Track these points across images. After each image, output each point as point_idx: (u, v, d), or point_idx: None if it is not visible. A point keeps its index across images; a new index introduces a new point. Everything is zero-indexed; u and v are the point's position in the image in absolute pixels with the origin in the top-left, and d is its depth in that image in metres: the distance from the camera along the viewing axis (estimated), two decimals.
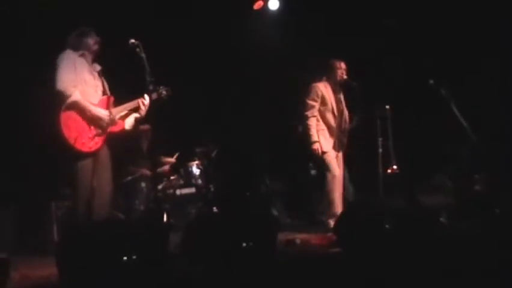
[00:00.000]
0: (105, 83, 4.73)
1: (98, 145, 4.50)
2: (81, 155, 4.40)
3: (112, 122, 4.60)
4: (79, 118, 4.42)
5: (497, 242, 3.98)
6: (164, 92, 4.74)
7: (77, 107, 4.40)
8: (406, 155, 6.56)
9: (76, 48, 4.57)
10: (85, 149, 4.41)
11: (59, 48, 4.55)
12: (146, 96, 4.70)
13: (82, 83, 4.50)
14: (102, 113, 4.52)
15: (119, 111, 4.71)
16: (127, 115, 4.78)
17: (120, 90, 4.84)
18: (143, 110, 4.75)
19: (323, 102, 5.69)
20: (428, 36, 6.93)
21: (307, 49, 6.90)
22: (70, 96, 4.37)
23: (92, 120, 4.47)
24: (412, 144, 6.50)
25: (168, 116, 5.04)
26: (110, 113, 4.59)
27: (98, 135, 4.48)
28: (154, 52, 4.50)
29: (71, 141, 4.33)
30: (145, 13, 6.38)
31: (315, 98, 5.69)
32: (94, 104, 4.54)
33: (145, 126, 6.28)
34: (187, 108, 6.86)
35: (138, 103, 4.73)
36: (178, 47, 6.83)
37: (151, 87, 4.48)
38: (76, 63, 4.51)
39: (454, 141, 6.47)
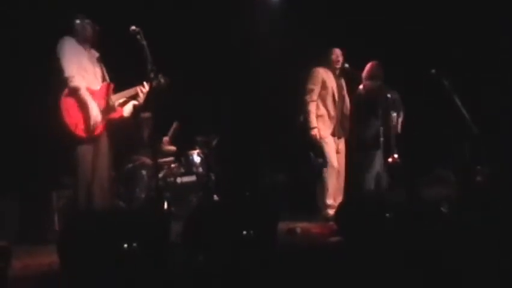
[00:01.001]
0: (104, 70, 4.75)
1: (98, 131, 4.54)
2: (82, 141, 4.45)
3: (112, 109, 4.62)
4: (78, 106, 4.44)
5: (498, 234, 3.99)
6: (162, 80, 4.73)
7: (77, 95, 4.43)
8: (407, 146, 6.55)
9: (73, 34, 4.59)
10: (86, 134, 4.45)
11: (58, 35, 4.55)
12: (145, 83, 4.70)
13: (81, 70, 4.52)
14: (95, 116, 4.50)
15: (117, 98, 4.74)
16: (125, 102, 4.81)
17: (121, 77, 4.84)
18: (142, 97, 4.77)
19: (324, 86, 5.69)
20: (430, 26, 6.89)
21: (310, 40, 6.86)
22: (73, 80, 4.42)
23: (87, 115, 4.48)
24: (414, 135, 6.47)
25: (169, 104, 5.03)
26: (109, 100, 4.60)
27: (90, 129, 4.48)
28: (155, 40, 4.48)
29: (72, 127, 4.38)
30: (147, 1, 6.34)
31: (315, 82, 5.69)
32: (93, 92, 4.55)
33: (146, 114, 6.26)
34: (188, 97, 6.83)
35: (137, 90, 4.75)
36: (179, 34, 6.80)
37: (151, 75, 4.47)
38: (76, 50, 4.52)
39: (456, 132, 6.45)
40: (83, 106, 4.45)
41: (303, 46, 6.84)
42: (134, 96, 4.80)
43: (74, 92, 4.43)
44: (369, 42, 6.84)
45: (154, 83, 4.61)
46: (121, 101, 4.77)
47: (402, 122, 6.13)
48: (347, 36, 6.49)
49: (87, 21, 4.63)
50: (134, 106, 4.84)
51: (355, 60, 5.95)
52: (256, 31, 7.38)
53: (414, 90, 6.55)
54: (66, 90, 4.41)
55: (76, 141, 4.44)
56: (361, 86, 6.06)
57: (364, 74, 6.06)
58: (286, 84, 6.88)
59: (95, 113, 4.51)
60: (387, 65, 6.42)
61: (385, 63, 6.38)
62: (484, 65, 6.66)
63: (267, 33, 7.36)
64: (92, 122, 4.48)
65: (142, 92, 4.75)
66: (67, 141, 4.45)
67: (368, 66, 6.06)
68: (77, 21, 4.62)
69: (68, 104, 4.41)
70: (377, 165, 5.91)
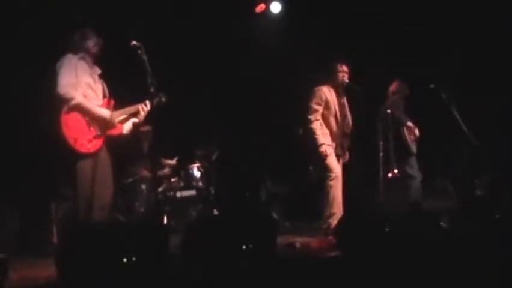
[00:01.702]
0: (105, 86, 4.76)
1: (97, 146, 4.54)
2: (80, 156, 4.44)
3: (112, 124, 4.63)
4: (79, 119, 4.45)
5: (498, 246, 3.97)
6: (163, 99, 4.76)
7: (79, 109, 4.44)
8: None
9: (76, 51, 4.59)
10: (84, 149, 4.45)
11: (60, 50, 4.56)
12: (147, 102, 4.71)
13: (82, 86, 4.52)
14: (105, 112, 4.58)
15: (118, 115, 4.73)
16: (126, 119, 4.81)
17: (121, 92, 4.85)
18: (142, 115, 4.77)
19: (327, 106, 5.67)
20: (430, 40, 6.93)
21: (310, 52, 6.89)
22: (72, 98, 4.41)
23: (94, 121, 4.50)
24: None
25: (169, 118, 5.04)
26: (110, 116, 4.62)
27: (97, 136, 4.50)
28: (155, 54, 4.50)
29: (71, 141, 4.37)
30: (147, 15, 6.37)
31: (319, 101, 5.66)
32: None
33: (146, 128, 6.28)
34: (188, 111, 6.85)
35: (138, 108, 4.75)
36: (180, 48, 6.84)
37: (152, 90, 4.47)
38: (76, 67, 4.52)
39: (455, 145, 6.47)
40: (86, 116, 4.46)
41: (304, 60, 6.88)
42: (135, 114, 4.80)
43: (76, 107, 4.43)
44: (369, 55, 6.89)
45: (155, 101, 4.62)
46: (121, 118, 4.77)
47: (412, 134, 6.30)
48: (348, 49, 6.50)
49: (91, 35, 4.63)
50: (134, 124, 4.85)
51: (356, 74, 5.97)
52: (256, 45, 7.41)
53: (413, 103, 6.58)
54: (65, 107, 4.39)
55: (76, 155, 4.43)
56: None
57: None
58: (286, 97, 6.91)
59: (106, 112, 4.56)
60: (387, 78, 6.47)
61: (385, 77, 6.43)
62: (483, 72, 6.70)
63: (268, 46, 7.39)
64: (109, 119, 4.55)
65: (143, 110, 4.76)
66: (66, 155, 4.44)
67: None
68: (80, 36, 4.61)
69: (68, 119, 4.39)
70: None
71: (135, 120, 4.83)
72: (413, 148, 6.38)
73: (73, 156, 4.43)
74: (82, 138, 4.44)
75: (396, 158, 6.28)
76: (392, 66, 7.02)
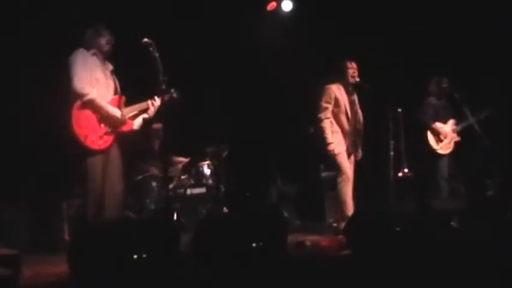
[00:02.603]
0: (117, 82, 4.77)
1: (108, 143, 4.55)
2: (91, 153, 4.46)
3: (123, 121, 4.65)
4: (91, 116, 4.47)
5: (508, 247, 3.95)
6: (175, 95, 4.77)
7: (92, 105, 4.46)
8: (418, 158, 6.54)
9: (88, 47, 4.61)
10: (95, 146, 4.47)
11: (72, 46, 4.58)
12: (156, 97, 4.72)
13: (94, 82, 4.54)
14: (117, 112, 4.59)
15: (129, 111, 4.75)
16: (136, 115, 4.82)
17: (133, 89, 4.87)
18: (152, 111, 4.79)
19: (336, 104, 5.66)
20: (441, 37, 6.90)
21: (320, 50, 6.88)
22: (87, 94, 4.43)
23: (105, 119, 4.52)
24: (423, 147, 6.48)
25: (180, 115, 5.06)
26: (121, 112, 4.64)
27: (107, 133, 4.52)
28: (166, 51, 4.51)
29: (82, 138, 4.39)
30: (158, 13, 6.39)
31: (329, 99, 5.66)
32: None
33: (157, 125, 6.29)
34: (198, 108, 6.87)
35: (148, 104, 4.77)
36: (191, 46, 6.85)
37: (163, 87, 4.49)
38: (88, 62, 4.54)
39: (467, 145, 6.44)
40: (98, 114, 4.47)
41: (314, 58, 6.86)
42: (145, 110, 4.82)
43: (89, 104, 4.45)
44: (380, 53, 6.87)
45: (166, 97, 4.63)
46: (131, 114, 4.79)
47: None
48: (359, 47, 6.48)
49: (104, 33, 4.63)
50: (144, 119, 4.87)
51: (366, 72, 5.96)
52: (267, 42, 7.41)
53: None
54: (79, 103, 4.41)
55: (86, 152, 4.44)
56: None
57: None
58: (297, 96, 6.90)
59: (118, 111, 4.57)
60: (400, 76, 6.45)
61: (397, 75, 6.41)
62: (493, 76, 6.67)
63: (278, 44, 7.38)
64: (120, 119, 4.55)
65: (153, 105, 4.77)
66: (77, 152, 4.46)
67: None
68: (93, 33, 4.63)
69: (79, 116, 4.41)
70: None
71: (145, 115, 4.85)
72: (440, 150, 6.40)
73: (83, 152, 4.44)
74: (93, 135, 4.45)
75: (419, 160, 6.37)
76: (402, 65, 7.00)
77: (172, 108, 4.71)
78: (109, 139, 4.56)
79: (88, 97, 4.42)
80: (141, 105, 4.80)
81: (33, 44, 5.63)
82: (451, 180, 6.36)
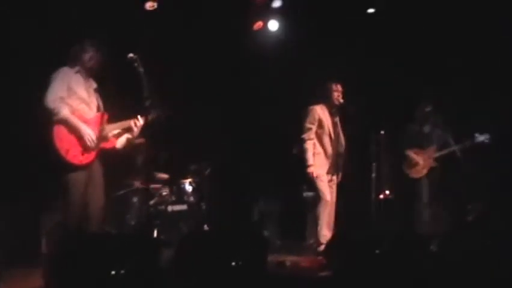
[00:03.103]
0: (100, 100, 4.72)
1: (90, 159, 4.50)
2: (72, 167, 4.40)
3: (104, 138, 4.60)
4: (69, 132, 4.41)
5: (489, 271, 3.97)
6: (161, 113, 4.71)
7: (66, 123, 4.40)
8: (400, 181, 6.58)
9: (73, 64, 4.57)
10: (76, 161, 4.41)
11: (58, 61, 4.55)
12: (139, 117, 4.69)
13: (75, 100, 4.50)
14: (87, 132, 4.47)
15: (112, 128, 4.71)
16: (120, 134, 4.78)
17: (117, 105, 4.84)
18: (136, 131, 4.75)
19: (320, 125, 5.71)
20: (426, 59, 6.96)
21: (306, 70, 6.92)
22: (58, 113, 4.36)
23: (81, 138, 4.46)
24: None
25: (163, 132, 5.04)
26: (103, 129, 4.58)
27: (88, 150, 4.46)
28: (150, 67, 4.50)
29: (63, 152, 4.34)
30: (144, 27, 6.39)
31: (312, 121, 5.70)
32: (86, 120, 4.53)
33: (140, 140, 6.26)
34: (181, 126, 6.84)
35: (130, 124, 4.73)
36: (175, 64, 6.85)
37: (147, 104, 4.44)
38: (71, 81, 4.50)
39: (448, 170, 6.48)
40: (74, 130, 4.42)
41: (300, 77, 6.90)
42: (129, 129, 4.78)
43: (63, 122, 4.39)
44: (365, 75, 6.92)
45: (150, 116, 4.59)
46: (115, 132, 4.75)
47: None
48: (344, 68, 6.52)
49: (89, 49, 4.60)
50: (128, 139, 4.83)
51: (350, 94, 5.99)
52: (252, 62, 7.43)
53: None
54: (55, 119, 4.36)
55: (67, 167, 4.38)
56: None
57: None
58: (281, 115, 6.92)
59: (88, 131, 4.46)
60: (384, 98, 6.50)
61: (381, 97, 6.46)
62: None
63: (263, 64, 7.41)
64: (87, 141, 4.44)
65: (135, 125, 4.73)
66: (57, 166, 4.40)
67: None
68: (78, 48, 4.60)
69: (59, 130, 4.37)
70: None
71: (129, 136, 4.81)
72: (412, 175, 6.45)
73: (64, 167, 4.38)
74: (74, 150, 4.40)
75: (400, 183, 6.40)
76: (388, 86, 7.05)
77: (157, 125, 4.68)
78: (91, 155, 4.51)
79: (59, 116, 4.36)
80: (123, 124, 4.76)
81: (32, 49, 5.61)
82: (431, 204, 6.37)
